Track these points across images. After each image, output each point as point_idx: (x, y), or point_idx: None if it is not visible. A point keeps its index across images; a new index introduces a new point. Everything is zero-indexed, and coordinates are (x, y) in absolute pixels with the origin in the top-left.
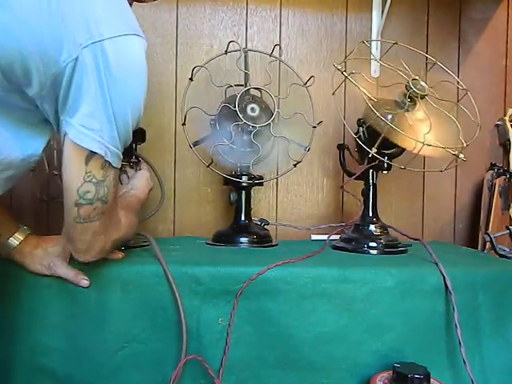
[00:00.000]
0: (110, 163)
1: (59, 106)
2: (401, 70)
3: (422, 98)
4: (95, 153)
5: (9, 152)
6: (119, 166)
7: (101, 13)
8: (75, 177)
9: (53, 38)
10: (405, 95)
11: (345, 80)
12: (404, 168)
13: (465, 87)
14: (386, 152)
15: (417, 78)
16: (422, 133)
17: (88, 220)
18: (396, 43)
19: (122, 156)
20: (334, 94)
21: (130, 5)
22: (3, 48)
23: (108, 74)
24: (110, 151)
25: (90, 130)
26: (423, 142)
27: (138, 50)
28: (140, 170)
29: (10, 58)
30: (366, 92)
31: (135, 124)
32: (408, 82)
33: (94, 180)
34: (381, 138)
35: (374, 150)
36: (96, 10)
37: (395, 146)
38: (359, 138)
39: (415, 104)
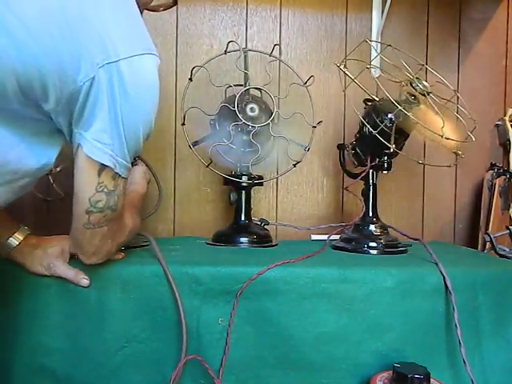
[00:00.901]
0: (119, 174)
1: (74, 120)
2: (401, 70)
3: (427, 95)
4: (106, 165)
5: (25, 162)
6: (128, 176)
7: (117, 32)
8: (88, 186)
9: (72, 57)
10: (408, 93)
11: (345, 77)
12: (421, 163)
13: (452, 88)
14: (386, 151)
15: (419, 77)
16: (438, 127)
17: (97, 226)
18: (389, 45)
19: (130, 166)
20: (344, 90)
21: (141, 13)
22: (23, 66)
23: (122, 92)
24: (118, 163)
25: (103, 144)
26: (442, 136)
27: (152, 69)
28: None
29: (29, 75)
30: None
31: (146, 137)
32: (413, 80)
33: (105, 190)
34: (393, 134)
35: (393, 145)
36: (113, 30)
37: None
38: (363, 137)
39: (418, 102)
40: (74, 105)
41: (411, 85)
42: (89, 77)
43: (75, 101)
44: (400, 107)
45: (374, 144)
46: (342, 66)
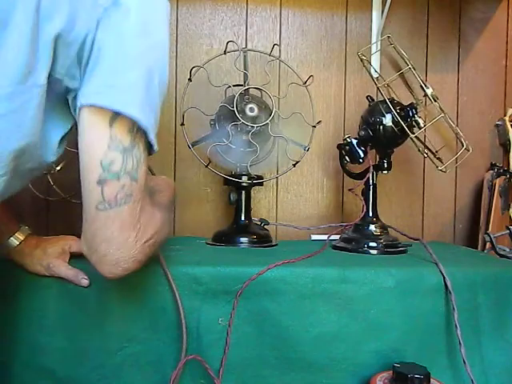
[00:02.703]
0: (139, 128)
1: (81, 75)
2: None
3: (437, 99)
4: (119, 113)
5: (45, 156)
6: (151, 139)
7: None
8: (97, 143)
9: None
10: (416, 98)
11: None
12: (444, 171)
13: (429, 93)
14: (388, 151)
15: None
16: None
17: (114, 204)
18: (392, 44)
19: (155, 125)
20: (377, 87)
21: None
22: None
23: (130, 28)
24: (134, 110)
25: (112, 87)
26: (463, 144)
27: (164, 5)
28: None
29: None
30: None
31: (162, 87)
32: (424, 84)
33: (120, 146)
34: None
35: (435, 151)
36: None
37: (394, 145)
38: (374, 134)
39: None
40: (80, 56)
41: (422, 88)
42: (92, 20)
43: (81, 51)
44: (444, 114)
45: (381, 143)
46: (364, 57)
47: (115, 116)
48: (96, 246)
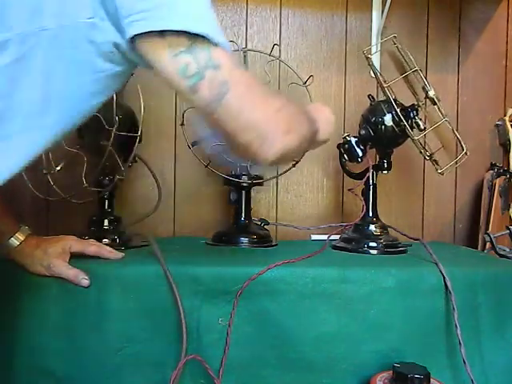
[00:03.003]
0: (192, 32)
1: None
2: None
3: (438, 101)
4: (163, 31)
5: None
6: (215, 38)
7: None
8: (166, 61)
9: None
10: (417, 100)
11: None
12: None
13: (432, 95)
14: (388, 151)
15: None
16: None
17: (217, 100)
18: (395, 44)
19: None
20: (382, 88)
21: None
22: None
23: None
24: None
25: (144, 12)
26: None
27: None
28: None
29: None
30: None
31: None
32: (426, 86)
33: (182, 50)
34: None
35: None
36: None
37: (395, 145)
38: (376, 133)
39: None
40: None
41: (424, 90)
42: None
43: None
44: (445, 118)
45: (382, 142)
46: (369, 56)
47: (161, 34)
48: (237, 143)
